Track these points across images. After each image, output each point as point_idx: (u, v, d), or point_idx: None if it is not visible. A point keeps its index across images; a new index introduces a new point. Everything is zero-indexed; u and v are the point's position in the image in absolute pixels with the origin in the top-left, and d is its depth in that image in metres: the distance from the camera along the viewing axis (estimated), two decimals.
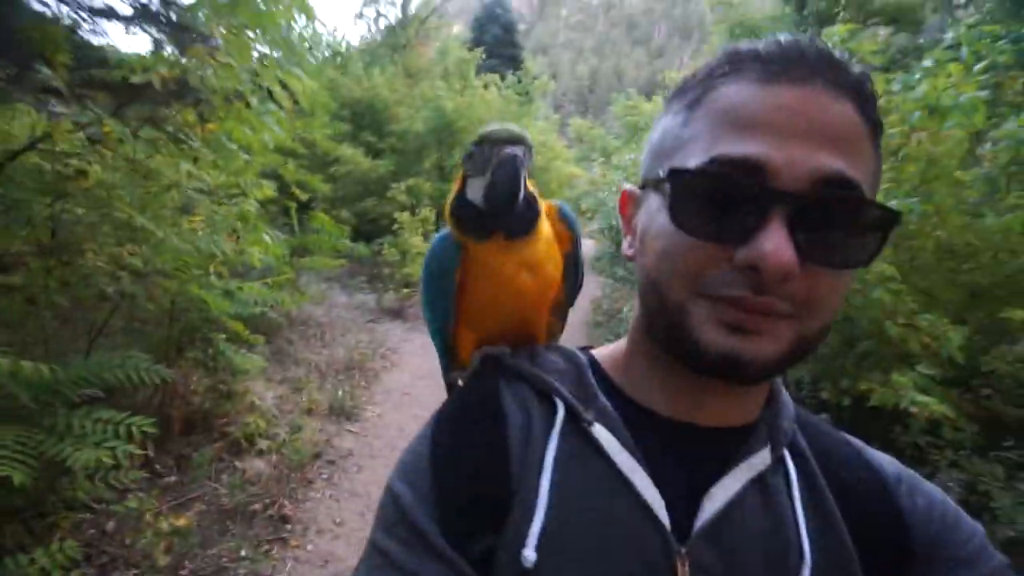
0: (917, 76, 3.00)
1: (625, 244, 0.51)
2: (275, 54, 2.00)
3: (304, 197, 5.47)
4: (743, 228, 0.37)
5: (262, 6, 1.81)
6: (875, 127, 0.39)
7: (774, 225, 0.36)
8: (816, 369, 3.08)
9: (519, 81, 11.08)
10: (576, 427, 0.44)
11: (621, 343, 0.53)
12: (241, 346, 3.25)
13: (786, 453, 0.46)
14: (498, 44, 27.27)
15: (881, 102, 1.66)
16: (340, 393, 3.97)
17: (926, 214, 2.78)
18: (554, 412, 0.45)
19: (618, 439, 0.44)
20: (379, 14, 12.13)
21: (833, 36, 3.38)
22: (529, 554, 0.39)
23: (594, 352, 0.54)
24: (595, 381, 0.48)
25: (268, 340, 4.21)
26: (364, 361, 4.83)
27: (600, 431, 0.44)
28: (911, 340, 2.47)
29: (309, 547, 2.52)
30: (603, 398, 0.46)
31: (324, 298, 5.89)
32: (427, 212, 9.31)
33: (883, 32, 8.52)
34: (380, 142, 9.61)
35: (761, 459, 0.44)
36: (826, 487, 0.45)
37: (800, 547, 0.42)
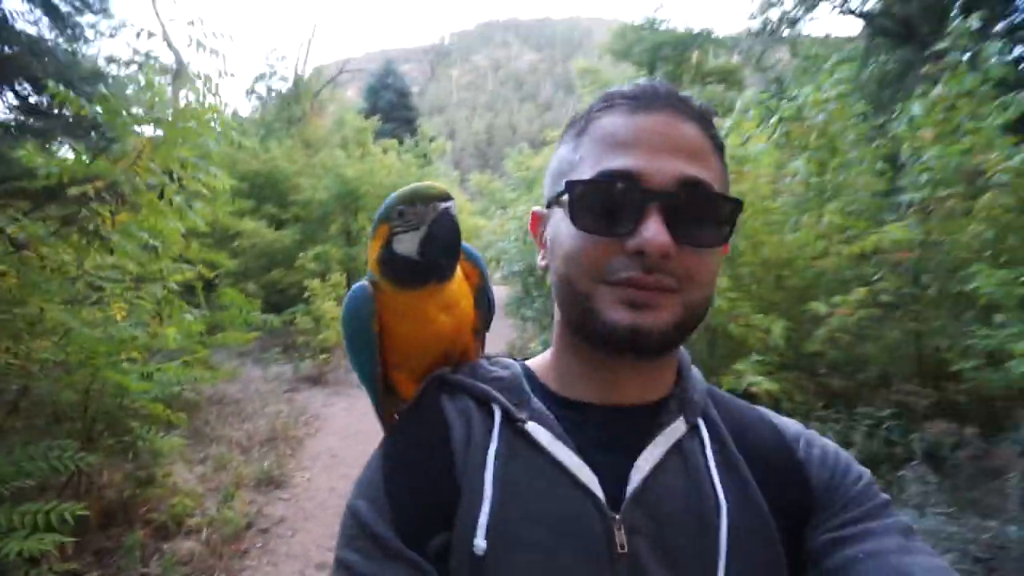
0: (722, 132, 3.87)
1: (539, 257, 0.58)
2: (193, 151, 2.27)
3: (210, 275, 5.46)
4: (629, 223, 0.45)
5: (179, 124, 2.08)
6: (717, 144, 0.50)
7: (652, 217, 0.44)
8: None
9: (416, 144, 11.69)
10: (513, 427, 0.49)
11: (545, 353, 0.59)
12: (160, 428, 3.23)
13: (700, 422, 0.52)
14: (393, 109, 28.06)
15: None
16: (266, 464, 3.97)
17: (746, 236, 3.54)
18: (492, 416, 0.50)
19: (551, 432, 0.49)
20: (271, 90, 12.33)
21: None
22: (480, 543, 0.44)
23: (527, 362, 0.59)
24: (528, 385, 0.53)
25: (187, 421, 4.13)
26: (287, 430, 4.81)
27: (534, 427, 0.49)
28: (749, 336, 3.12)
29: None
30: (536, 399, 0.51)
31: (239, 374, 5.77)
32: (337, 277, 9.36)
33: (718, 89, 10.28)
34: (283, 213, 9.64)
35: (676, 428, 0.50)
36: (736, 448, 0.52)
37: (716, 499, 0.48)
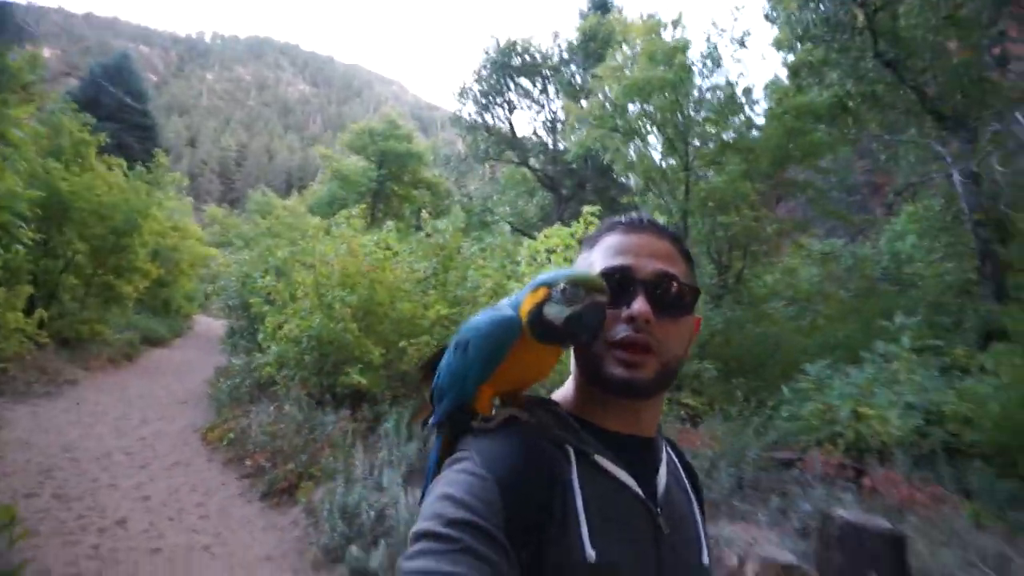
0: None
1: None
2: None
3: None
4: (626, 299, 0.68)
5: None
6: (684, 253, 0.76)
7: (640, 296, 0.68)
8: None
9: (149, 171, 11.85)
10: (582, 458, 0.67)
11: (567, 390, 0.78)
12: None
13: (669, 449, 0.81)
14: (121, 108, 24.99)
15: None
16: None
17: (381, 303, 6.20)
18: (564, 452, 0.67)
19: (608, 459, 0.68)
20: None
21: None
22: (590, 552, 0.60)
23: (555, 398, 0.78)
24: (572, 421, 0.71)
25: None
26: None
27: (599, 459, 0.67)
28: (361, 355, 5.64)
29: None
30: (584, 433, 0.69)
31: None
32: (25, 288, 9.02)
33: (427, 194, 13.87)
34: None
35: (665, 453, 0.77)
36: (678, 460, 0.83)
37: (687, 491, 0.79)
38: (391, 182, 13.48)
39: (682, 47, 8.52)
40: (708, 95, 9.12)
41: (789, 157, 9.53)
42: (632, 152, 9.27)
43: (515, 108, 16.18)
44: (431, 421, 0.75)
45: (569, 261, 5.00)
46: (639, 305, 0.67)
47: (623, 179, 16.57)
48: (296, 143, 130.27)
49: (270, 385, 6.44)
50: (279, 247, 8.60)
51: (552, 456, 0.66)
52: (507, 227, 8.16)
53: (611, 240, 0.75)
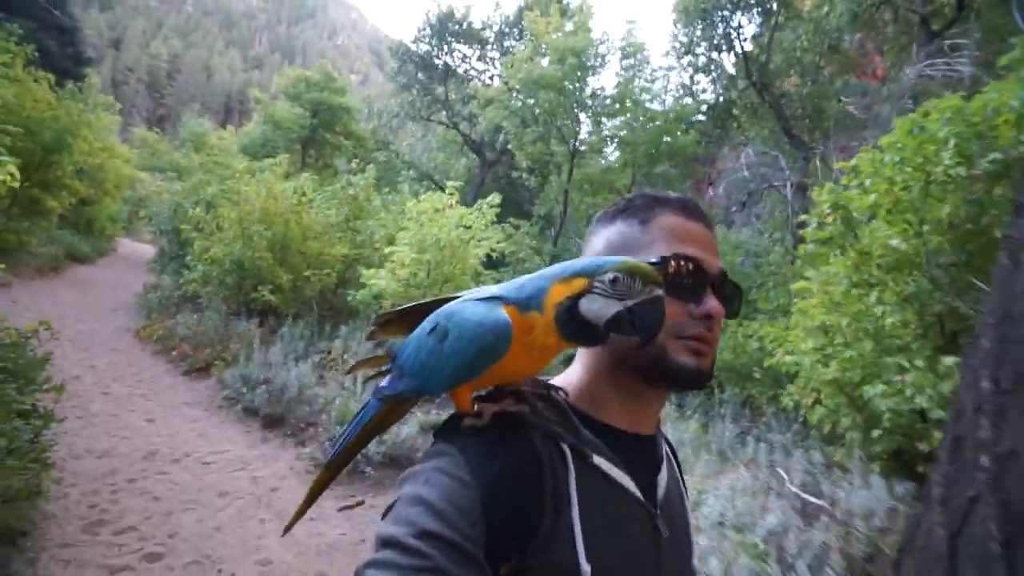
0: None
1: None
2: None
3: None
4: (697, 295, 0.66)
5: None
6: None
7: (710, 294, 0.67)
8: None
9: (80, 91, 12.15)
10: (579, 458, 0.62)
11: (572, 377, 0.72)
12: None
13: (667, 448, 0.79)
14: (39, 8, 23.37)
15: None
16: None
17: (294, 239, 7.63)
18: (561, 450, 0.62)
19: (608, 460, 0.65)
20: None
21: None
22: (585, 567, 0.56)
23: (557, 385, 0.71)
24: (573, 417, 0.67)
25: None
26: None
27: (598, 460, 0.64)
28: (281, 277, 7.12)
29: None
30: (585, 431, 0.65)
31: None
32: None
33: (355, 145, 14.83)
34: None
35: (665, 453, 0.76)
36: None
37: (681, 494, 0.78)
38: (323, 131, 14.40)
39: (574, 51, 10.05)
40: (597, 93, 10.78)
41: (661, 155, 11.48)
42: (526, 136, 10.86)
43: (451, 73, 17.21)
44: (382, 387, 0.67)
45: (438, 225, 6.57)
46: (714, 302, 0.67)
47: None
48: (239, 62, 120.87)
49: (195, 298, 7.79)
50: (210, 183, 9.64)
51: (548, 457, 0.60)
52: (406, 188, 9.58)
53: (670, 222, 0.70)
